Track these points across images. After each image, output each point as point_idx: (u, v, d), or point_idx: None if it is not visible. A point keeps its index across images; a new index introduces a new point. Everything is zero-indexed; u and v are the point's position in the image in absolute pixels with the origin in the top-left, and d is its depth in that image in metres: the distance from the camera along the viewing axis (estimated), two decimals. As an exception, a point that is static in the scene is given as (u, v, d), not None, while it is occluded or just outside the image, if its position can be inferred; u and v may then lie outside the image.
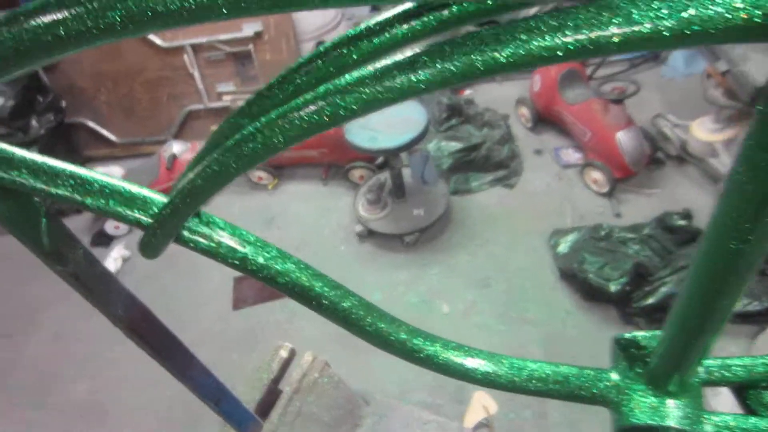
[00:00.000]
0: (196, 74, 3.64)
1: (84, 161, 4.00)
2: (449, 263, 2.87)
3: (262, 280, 0.55)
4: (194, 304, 3.07)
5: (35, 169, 0.52)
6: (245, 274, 0.55)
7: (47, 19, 0.36)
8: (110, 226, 3.47)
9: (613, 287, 2.42)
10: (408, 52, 0.32)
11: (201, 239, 0.53)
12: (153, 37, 3.53)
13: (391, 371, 2.44)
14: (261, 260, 0.54)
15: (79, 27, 0.36)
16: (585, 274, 2.50)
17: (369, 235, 3.05)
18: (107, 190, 0.53)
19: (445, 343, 0.60)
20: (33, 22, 0.37)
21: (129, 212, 0.53)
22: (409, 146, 2.65)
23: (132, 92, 3.82)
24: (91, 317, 3.13)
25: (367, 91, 0.32)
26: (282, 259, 0.55)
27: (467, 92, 3.81)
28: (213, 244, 0.54)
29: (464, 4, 0.33)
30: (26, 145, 3.53)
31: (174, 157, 3.38)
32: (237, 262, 0.54)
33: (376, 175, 3.25)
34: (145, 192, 0.53)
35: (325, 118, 0.35)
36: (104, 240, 3.50)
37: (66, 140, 3.87)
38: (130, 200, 0.53)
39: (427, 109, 2.83)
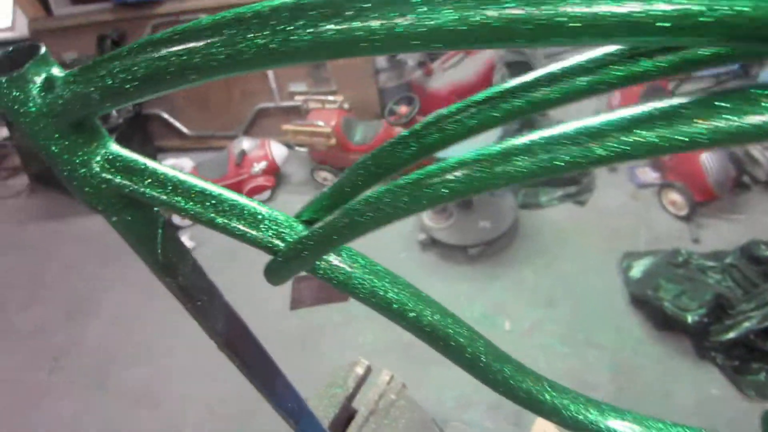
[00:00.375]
0: (270, 73, 3.68)
1: (156, 151, 4.13)
2: (514, 279, 2.79)
3: (390, 315, 0.52)
4: (252, 302, 3.09)
5: (165, 182, 0.51)
6: (373, 308, 0.52)
7: (182, 47, 0.36)
8: (176, 217, 3.55)
9: (690, 318, 2.29)
10: (673, 101, 0.27)
11: (335, 272, 0.50)
12: (230, 35, 3.59)
13: (449, 384, 2.39)
14: (391, 295, 0.51)
15: (212, 58, 0.35)
16: (660, 302, 2.38)
17: (432, 244, 3.00)
18: (238, 210, 0.51)
19: (575, 396, 0.55)
20: (166, 50, 0.37)
21: (261, 236, 0.50)
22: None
23: (207, 87, 3.90)
24: (149, 304, 3.23)
25: (613, 142, 0.28)
26: (415, 297, 0.51)
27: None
28: (346, 277, 0.51)
29: (701, 51, 0.28)
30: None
31: (243, 153, 3.43)
32: (367, 296, 0.50)
33: (442, 183, 3.20)
34: (280, 216, 0.51)
35: (542, 168, 0.31)
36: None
37: (142, 130, 3.99)
38: (263, 223, 0.50)
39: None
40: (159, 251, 0.62)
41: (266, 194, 3.53)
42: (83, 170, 0.51)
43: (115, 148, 0.53)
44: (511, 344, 2.55)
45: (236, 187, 3.54)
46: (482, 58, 3.56)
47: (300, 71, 3.69)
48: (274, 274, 0.53)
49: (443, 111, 0.47)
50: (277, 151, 3.51)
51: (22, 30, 3.98)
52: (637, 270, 2.60)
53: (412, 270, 2.97)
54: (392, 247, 3.10)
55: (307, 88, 3.70)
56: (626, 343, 2.46)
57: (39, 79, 0.46)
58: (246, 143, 3.48)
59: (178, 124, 4.10)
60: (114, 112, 3.71)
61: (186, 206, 0.51)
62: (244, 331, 0.82)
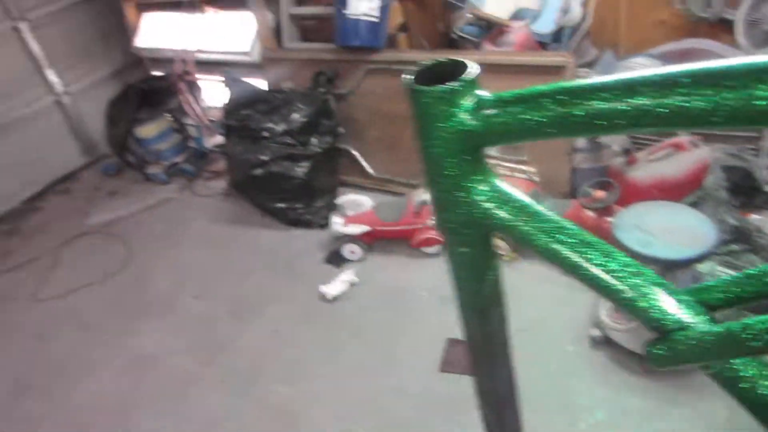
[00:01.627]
0: (465, 132, 3.73)
1: (338, 184, 4.35)
2: (699, 409, 2.43)
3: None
4: (403, 348, 3.06)
5: (547, 225, 0.46)
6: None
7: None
8: (347, 250, 3.66)
9: None
10: None
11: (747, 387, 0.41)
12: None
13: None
14: None
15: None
16: None
17: (605, 343, 2.74)
18: (630, 273, 0.44)
19: None
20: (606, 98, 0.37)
21: (651, 309, 0.43)
22: (688, 263, 2.34)
23: (400, 134, 4.06)
24: (307, 326, 3.33)
25: None
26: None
27: (756, 216, 3.31)
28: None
29: None
30: (302, 158, 3.94)
31: (424, 204, 3.47)
32: None
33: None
34: (679, 294, 0.43)
35: None
36: (337, 260, 3.70)
37: (331, 162, 4.23)
38: (655, 295, 0.43)
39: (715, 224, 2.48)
40: (483, 291, 0.58)
41: (436, 249, 3.52)
42: (463, 194, 0.49)
43: (497, 182, 0.49)
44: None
45: (408, 235, 3.58)
46: (695, 156, 3.29)
47: (495, 136, 3.69)
48: (658, 357, 0.45)
49: None
50: (457, 208, 3.49)
51: (255, 56, 4.48)
52: None
53: (576, 368, 2.73)
54: (559, 337, 2.89)
55: (497, 153, 3.68)
56: None
57: (469, 98, 0.45)
58: (427, 194, 3.52)
59: (364, 163, 4.29)
60: (314, 141, 3.99)
61: (563, 254, 0.46)
62: (514, 394, 0.75)
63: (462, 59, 0.47)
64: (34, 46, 5.07)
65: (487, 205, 0.48)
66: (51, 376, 3.38)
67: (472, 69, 0.46)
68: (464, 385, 2.77)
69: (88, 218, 4.85)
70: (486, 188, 0.48)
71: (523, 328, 2.96)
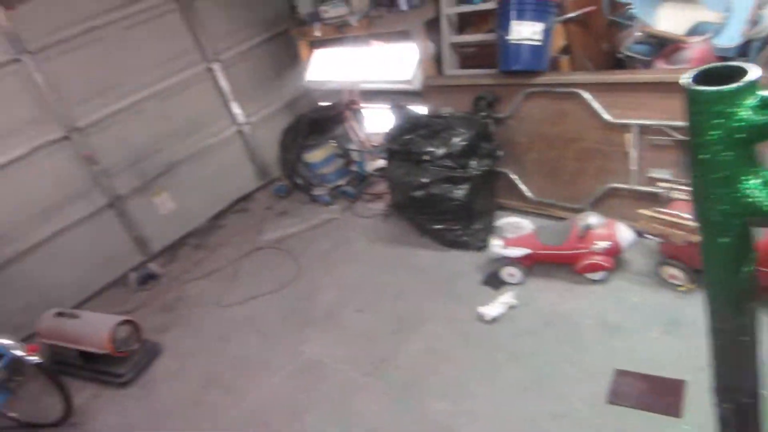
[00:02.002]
0: (633, 154, 3.57)
1: (497, 207, 4.37)
2: None
3: None
4: (564, 375, 2.97)
5: None
6: None
7: None
8: (506, 273, 3.66)
9: None
10: None
11: None
12: (601, 111, 3.61)
13: None
14: None
15: None
16: None
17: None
18: None
19: None
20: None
21: None
22: None
23: (561, 157, 3.99)
24: (463, 345, 3.36)
25: None
26: None
27: None
28: None
29: None
30: (461, 180, 4.03)
31: (588, 228, 3.37)
32: None
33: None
34: None
35: None
36: (495, 282, 3.71)
37: (490, 184, 4.27)
38: None
39: None
40: (738, 283, 0.59)
41: (601, 275, 3.40)
42: (734, 185, 0.52)
43: None
44: None
45: (571, 260, 3.49)
46: None
47: (667, 158, 3.48)
48: None
49: None
50: (624, 234, 3.35)
51: (417, 84, 4.70)
52: None
53: None
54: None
55: (670, 177, 3.47)
56: None
57: (752, 98, 0.48)
58: (593, 219, 3.41)
59: (522, 187, 4.27)
60: (474, 164, 4.06)
61: None
62: (758, 394, 0.74)
63: (740, 65, 0.51)
64: (224, 83, 5.78)
65: (757, 195, 0.51)
66: (233, 374, 3.77)
67: (755, 71, 0.49)
68: (634, 420, 2.62)
69: (262, 235, 5.36)
70: (756, 180, 0.51)
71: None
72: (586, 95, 3.65)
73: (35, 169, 4.79)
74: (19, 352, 3.41)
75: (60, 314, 4.13)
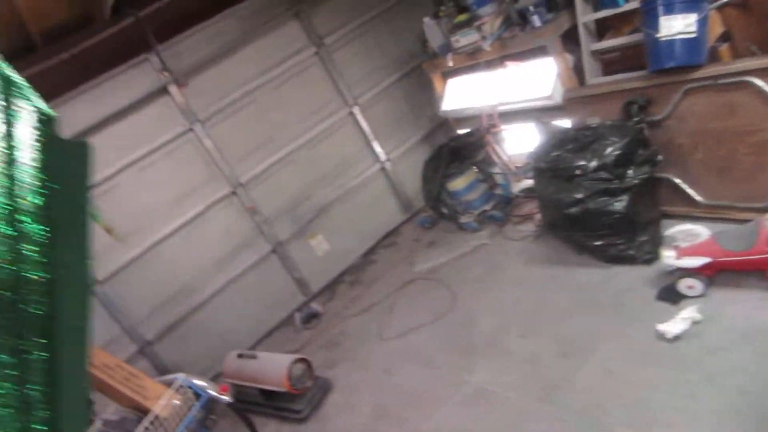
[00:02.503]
0: (826, 139, 3.12)
1: (662, 216, 4.04)
2: None
3: None
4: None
5: None
6: None
7: None
8: (684, 285, 3.34)
9: None
10: None
11: None
12: (779, 97, 3.23)
13: None
14: None
15: None
16: None
17: None
18: None
19: None
20: None
21: None
22: None
23: (733, 153, 3.60)
24: (646, 365, 3.09)
25: None
26: None
27: None
28: None
29: None
30: (619, 191, 3.79)
31: (781, 227, 2.98)
32: None
33: None
34: None
35: None
36: (673, 297, 3.39)
37: (651, 193, 3.97)
38: None
39: None
40: None
41: (804, 279, 2.97)
42: None
43: None
44: None
45: (762, 265, 3.10)
46: None
47: None
48: None
49: None
50: (828, 230, 2.91)
51: (557, 98, 4.56)
52: None
53: None
54: None
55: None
56: None
57: None
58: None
59: (690, 191, 3.91)
60: (631, 172, 3.81)
61: None
62: None
63: None
64: (364, 125, 6.07)
65: None
66: (401, 406, 3.81)
67: None
68: None
69: (414, 266, 5.45)
70: None
71: None
72: (759, 82, 3.29)
73: (210, 225, 5.35)
74: (213, 392, 3.75)
75: (240, 356, 4.49)
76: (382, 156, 6.22)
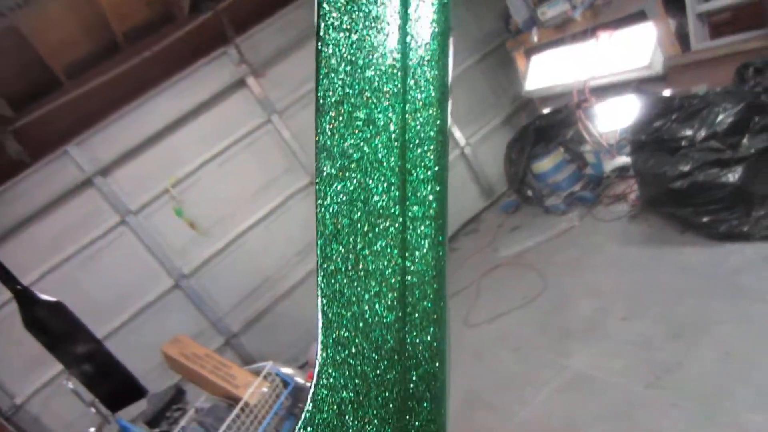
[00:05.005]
0: None
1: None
2: None
3: None
4: None
5: None
6: None
7: None
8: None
9: None
10: None
11: None
12: None
13: None
14: None
15: None
16: None
17: None
18: None
19: None
20: None
21: None
22: None
23: None
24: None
25: None
26: None
27: None
28: None
29: None
30: (733, 162, 3.48)
31: None
32: None
33: None
34: None
35: None
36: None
37: (769, 164, 3.62)
38: None
39: None
40: None
41: None
42: None
43: None
44: None
45: None
46: None
47: None
48: None
49: None
50: None
51: (657, 68, 4.26)
52: None
53: None
54: None
55: None
56: None
57: None
58: None
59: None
60: (746, 141, 3.49)
61: None
62: None
63: None
64: (444, 108, 5.93)
65: None
66: (494, 392, 3.67)
67: None
68: None
69: (498, 252, 5.27)
70: None
71: None
72: None
73: (290, 216, 5.39)
74: (300, 380, 3.75)
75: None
76: (462, 141, 6.07)
